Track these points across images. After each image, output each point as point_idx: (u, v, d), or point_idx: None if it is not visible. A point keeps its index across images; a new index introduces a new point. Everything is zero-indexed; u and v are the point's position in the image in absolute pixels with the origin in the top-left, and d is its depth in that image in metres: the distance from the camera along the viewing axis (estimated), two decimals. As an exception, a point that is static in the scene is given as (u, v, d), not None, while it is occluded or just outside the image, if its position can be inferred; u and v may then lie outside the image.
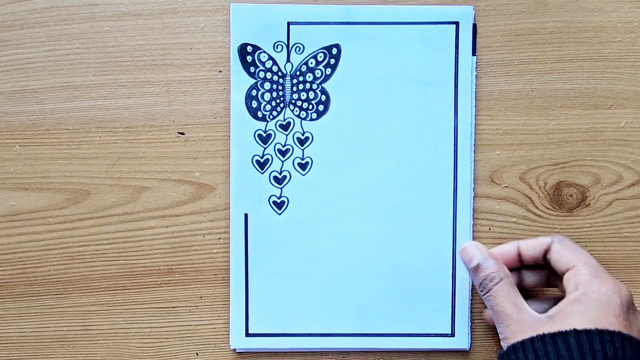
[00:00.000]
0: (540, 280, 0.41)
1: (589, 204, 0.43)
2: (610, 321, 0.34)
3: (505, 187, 0.43)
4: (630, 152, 0.43)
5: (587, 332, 0.33)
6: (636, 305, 0.43)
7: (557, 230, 0.43)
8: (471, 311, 0.43)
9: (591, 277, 0.36)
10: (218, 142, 0.43)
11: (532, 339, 0.34)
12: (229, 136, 0.43)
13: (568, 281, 0.37)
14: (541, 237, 0.40)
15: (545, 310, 0.36)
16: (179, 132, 0.43)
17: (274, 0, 0.43)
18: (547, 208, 0.43)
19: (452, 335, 0.43)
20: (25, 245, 0.44)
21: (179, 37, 0.43)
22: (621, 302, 0.35)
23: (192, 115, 0.43)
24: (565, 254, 0.38)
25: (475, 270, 0.39)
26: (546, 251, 0.39)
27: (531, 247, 0.40)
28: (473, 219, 0.43)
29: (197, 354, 0.44)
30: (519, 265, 0.41)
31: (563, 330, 0.34)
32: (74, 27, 0.43)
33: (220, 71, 0.43)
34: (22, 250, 0.44)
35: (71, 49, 0.43)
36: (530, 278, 0.41)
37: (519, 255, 0.40)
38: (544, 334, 0.34)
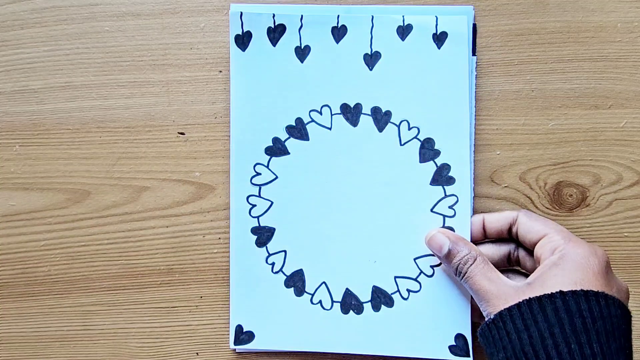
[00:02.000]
0: (502, 256, 0.41)
1: (589, 204, 0.43)
2: (591, 281, 0.34)
3: (505, 187, 0.43)
4: (630, 152, 0.43)
5: (573, 293, 0.33)
6: (635, 304, 0.43)
7: (557, 230, 0.43)
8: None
9: (566, 241, 0.36)
10: (218, 142, 0.43)
11: (518, 305, 0.34)
12: (229, 136, 0.43)
13: (542, 248, 0.37)
14: (506, 211, 0.40)
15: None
16: (179, 132, 0.43)
17: (274, 1, 0.43)
18: (547, 208, 0.43)
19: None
20: (25, 245, 0.44)
21: (179, 37, 0.43)
22: (599, 262, 0.35)
23: (192, 115, 0.43)
24: (534, 225, 0.38)
25: (447, 256, 0.39)
26: (511, 224, 0.39)
27: (496, 219, 0.40)
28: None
29: (197, 354, 0.44)
30: (482, 239, 0.41)
31: (549, 292, 0.34)
32: (74, 27, 0.43)
33: (220, 71, 0.43)
34: (22, 250, 0.44)
35: (71, 49, 0.43)
36: (492, 253, 0.41)
37: (484, 228, 0.40)
38: (530, 298, 0.34)
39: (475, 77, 0.42)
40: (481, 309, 0.37)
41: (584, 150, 0.43)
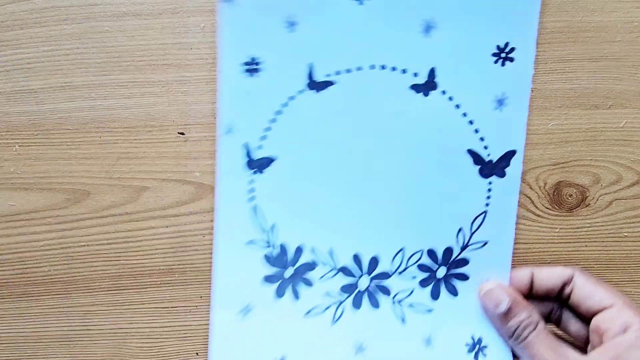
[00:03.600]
0: (543, 314, 0.38)
1: (589, 204, 0.43)
2: None
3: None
4: (630, 152, 0.43)
5: None
6: (636, 304, 0.44)
7: (557, 230, 0.43)
8: None
9: None
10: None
11: None
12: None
13: (609, 322, 0.34)
14: (559, 267, 0.37)
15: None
16: (179, 132, 0.43)
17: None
18: (547, 208, 0.43)
19: None
20: (25, 245, 0.44)
21: (179, 37, 0.43)
22: None
23: (192, 115, 0.43)
24: (596, 291, 0.35)
25: (504, 316, 0.35)
26: (565, 284, 0.36)
27: (547, 277, 0.36)
28: None
29: (197, 354, 0.44)
30: (526, 295, 0.37)
31: None
32: (74, 27, 0.43)
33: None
34: (22, 251, 0.44)
35: (71, 49, 0.43)
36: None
37: (531, 283, 0.37)
38: None
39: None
40: None
41: (584, 150, 0.43)
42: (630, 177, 0.43)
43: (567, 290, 0.36)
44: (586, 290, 0.35)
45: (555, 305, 0.38)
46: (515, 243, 0.43)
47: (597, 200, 0.43)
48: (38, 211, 0.44)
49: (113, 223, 0.44)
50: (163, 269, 0.44)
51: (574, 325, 0.37)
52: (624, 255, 0.44)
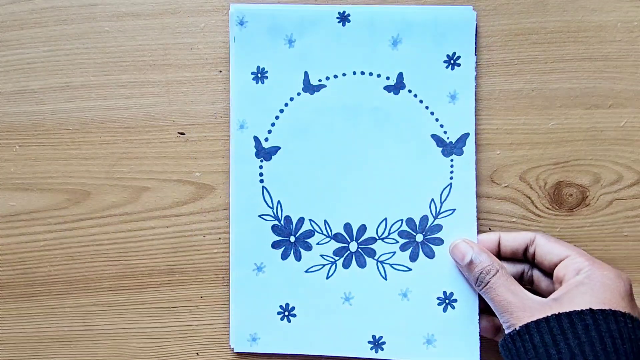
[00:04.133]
0: (515, 275, 0.41)
1: (589, 204, 0.43)
2: (619, 303, 0.34)
3: (505, 186, 0.43)
4: (630, 152, 0.43)
5: (603, 312, 0.33)
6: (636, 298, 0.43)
7: (558, 230, 0.43)
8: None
9: (591, 263, 0.37)
10: (218, 142, 0.43)
11: (546, 319, 0.34)
12: (229, 136, 0.43)
13: (565, 269, 0.37)
14: (522, 232, 0.41)
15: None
16: (179, 132, 0.43)
17: (274, 1, 0.43)
18: (547, 208, 0.43)
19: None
20: (25, 245, 0.44)
21: (179, 37, 0.43)
22: (624, 285, 0.35)
23: (192, 115, 0.43)
24: (554, 246, 0.39)
25: (469, 265, 0.40)
26: (528, 245, 0.40)
27: (512, 239, 0.40)
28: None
29: (197, 354, 0.44)
30: (495, 254, 0.41)
31: (578, 309, 0.34)
32: (74, 27, 0.43)
33: (220, 71, 0.43)
34: (22, 251, 0.44)
35: (71, 49, 0.43)
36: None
37: (499, 246, 0.41)
38: (559, 313, 0.34)
39: (476, 77, 0.42)
40: (501, 320, 0.37)
41: (584, 150, 0.43)
42: (630, 177, 0.43)
43: (531, 250, 0.40)
44: (546, 248, 0.39)
45: (525, 267, 0.41)
46: (515, 243, 0.43)
47: (597, 200, 0.43)
48: (38, 211, 0.44)
49: (113, 223, 0.44)
50: (163, 269, 0.44)
51: (544, 282, 0.40)
52: (624, 255, 0.44)
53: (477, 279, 0.39)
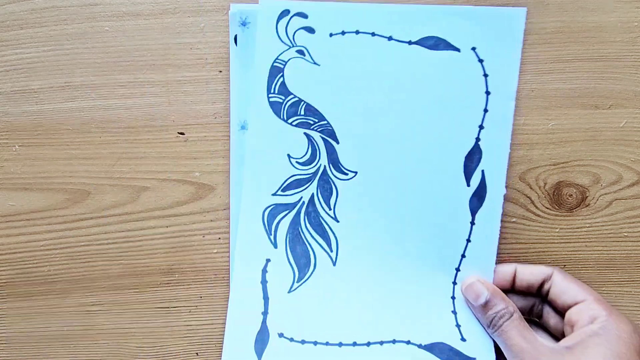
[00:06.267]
0: (526, 308, 0.40)
1: (589, 204, 0.43)
2: (634, 358, 0.34)
3: (505, 186, 0.43)
4: (630, 152, 0.43)
5: None
6: (636, 304, 0.43)
7: (557, 230, 0.43)
8: None
9: (608, 313, 0.36)
10: (218, 142, 0.43)
11: None
12: (229, 136, 0.43)
13: (579, 314, 0.36)
14: (540, 266, 0.40)
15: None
16: (179, 132, 0.43)
17: (274, 0, 0.43)
18: (547, 208, 0.43)
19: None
20: (25, 245, 0.44)
21: (179, 37, 0.43)
22: (639, 341, 0.35)
23: (192, 115, 0.43)
24: (571, 287, 0.38)
25: (483, 307, 0.39)
26: (544, 281, 0.39)
27: (529, 273, 0.39)
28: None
29: (197, 354, 0.44)
30: (509, 288, 0.40)
31: None
32: (74, 27, 0.43)
33: (220, 71, 0.43)
34: (22, 251, 0.44)
35: (71, 49, 0.43)
36: (517, 303, 0.40)
37: (514, 278, 0.40)
38: None
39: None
40: None
41: (584, 150, 0.43)
42: (630, 177, 0.43)
43: (547, 286, 0.39)
44: (562, 287, 0.38)
45: (537, 300, 0.40)
46: (515, 243, 0.43)
47: (597, 200, 0.43)
48: (38, 211, 0.44)
49: (113, 223, 0.44)
50: (163, 269, 0.44)
51: (552, 319, 0.40)
52: (624, 255, 0.44)
53: (491, 322, 0.38)
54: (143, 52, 0.43)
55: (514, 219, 0.43)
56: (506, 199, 0.43)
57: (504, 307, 0.38)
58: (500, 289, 0.40)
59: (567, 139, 0.43)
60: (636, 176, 0.43)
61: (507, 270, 0.40)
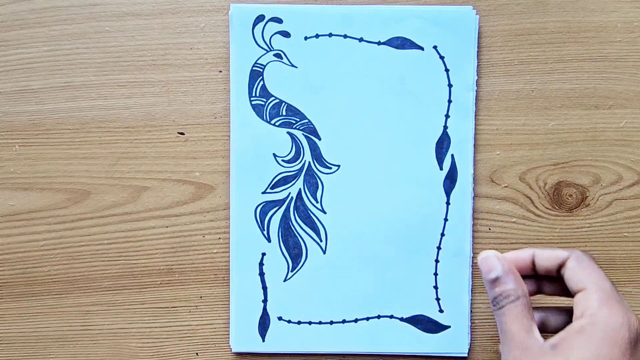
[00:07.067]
0: (558, 290, 0.39)
1: (589, 204, 0.43)
2: (616, 358, 0.32)
3: (505, 187, 0.43)
4: (630, 152, 0.43)
5: None
6: (636, 304, 0.43)
7: (557, 230, 0.43)
8: (471, 311, 0.43)
9: (600, 305, 0.34)
10: (218, 142, 0.43)
11: None
12: (229, 136, 0.43)
13: (576, 304, 0.35)
14: (559, 250, 0.38)
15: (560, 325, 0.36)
16: (179, 132, 0.43)
17: (274, 0, 0.43)
18: (547, 208, 0.43)
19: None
20: (25, 245, 0.44)
21: (179, 37, 0.43)
22: (629, 336, 0.33)
23: (192, 115, 0.43)
24: (577, 274, 0.36)
25: (492, 282, 0.37)
26: (560, 265, 0.37)
27: (546, 258, 0.37)
28: (473, 219, 0.43)
29: (197, 354, 0.44)
30: (532, 274, 0.39)
31: None
32: (74, 27, 0.43)
33: (220, 71, 0.43)
34: (22, 250, 0.44)
35: (71, 49, 0.43)
36: (548, 288, 0.39)
37: (533, 263, 0.38)
38: None
39: (476, 82, 0.42)
40: (501, 347, 0.36)
41: (584, 150, 0.43)
42: (630, 177, 0.43)
43: (562, 272, 0.37)
44: (572, 273, 0.36)
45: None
46: (515, 243, 0.43)
47: (597, 200, 0.43)
48: (38, 211, 0.44)
49: (113, 223, 0.44)
50: (163, 269, 0.44)
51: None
52: (624, 255, 0.44)
53: (495, 299, 0.37)
54: (143, 52, 0.43)
55: (514, 219, 0.43)
56: (506, 199, 0.43)
57: (512, 288, 0.36)
58: (522, 274, 0.38)
59: (567, 139, 0.43)
60: (636, 176, 0.43)
61: (524, 256, 0.38)
